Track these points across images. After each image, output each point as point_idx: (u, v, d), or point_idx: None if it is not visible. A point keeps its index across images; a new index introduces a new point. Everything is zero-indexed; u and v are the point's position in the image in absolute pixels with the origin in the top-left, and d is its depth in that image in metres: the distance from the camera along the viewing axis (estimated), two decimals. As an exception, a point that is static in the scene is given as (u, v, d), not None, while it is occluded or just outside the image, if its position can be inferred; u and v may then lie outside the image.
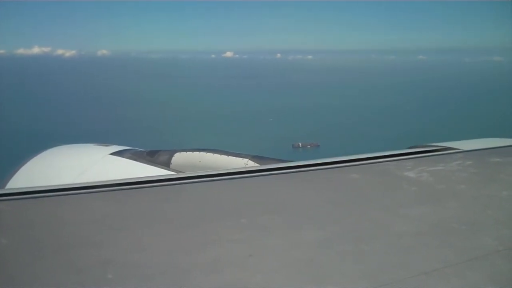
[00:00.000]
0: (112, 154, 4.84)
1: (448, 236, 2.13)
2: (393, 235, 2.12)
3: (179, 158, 4.63)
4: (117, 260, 1.79)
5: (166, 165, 4.61)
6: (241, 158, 4.40)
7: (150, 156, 4.73)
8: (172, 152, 4.69)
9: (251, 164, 4.23)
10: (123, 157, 4.77)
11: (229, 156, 4.47)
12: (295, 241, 2.04)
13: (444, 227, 2.23)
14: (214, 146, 4.72)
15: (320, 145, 78.07)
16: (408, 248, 2.00)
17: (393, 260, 1.89)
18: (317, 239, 2.06)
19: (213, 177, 2.95)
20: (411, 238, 2.09)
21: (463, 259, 1.91)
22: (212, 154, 4.54)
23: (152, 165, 4.62)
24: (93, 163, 4.71)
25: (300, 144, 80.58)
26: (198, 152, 4.61)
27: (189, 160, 4.59)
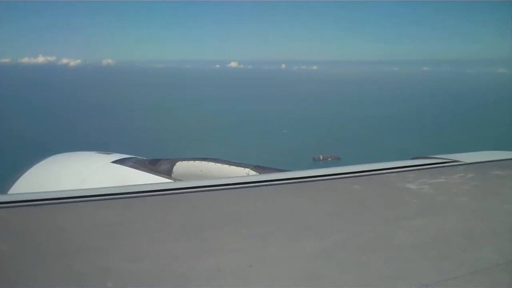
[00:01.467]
0: (114, 162, 4.85)
1: (449, 249, 2.11)
2: (394, 247, 2.11)
3: (180, 167, 4.63)
4: (117, 268, 1.78)
5: (168, 174, 4.61)
6: (243, 168, 4.40)
7: (151, 165, 4.74)
8: (173, 161, 4.69)
9: (252, 174, 4.23)
10: (125, 165, 4.78)
11: (231, 166, 4.47)
12: (295, 252, 2.02)
13: (444, 239, 2.22)
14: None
15: (340, 157, 76.22)
16: (409, 260, 1.99)
17: (394, 272, 1.88)
18: (317, 250, 2.04)
19: (214, 186, 2.92)
20: (411, 250, 2.08)
21: (464, 272, 1.89)
22: (213, 163, 4.54)
23: (153, 173, 4.62)
24: (95, 171, 4.72)
25: (321, 156, 78.86)
26: (199, 162, 4.61)
27: (190, 169, 4.59)
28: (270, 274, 1.82)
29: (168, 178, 4.52)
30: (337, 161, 75.07)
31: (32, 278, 1.68)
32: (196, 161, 4.63)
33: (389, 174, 3.32)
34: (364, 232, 2.30)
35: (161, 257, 1.90)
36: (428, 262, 1.97)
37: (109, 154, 5.11)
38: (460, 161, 3.64)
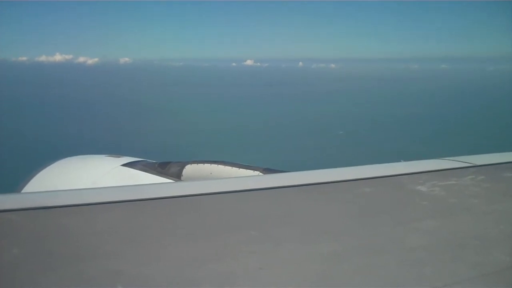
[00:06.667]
0: (124, 165, 4.87)
1: (460, 251, 2.13)
2: (405, 249, 2.13)
3: (190, 170, 4.65)
4: (128, 272, 1.79)
5: (177, 176, 4.62)
6: (252, 171, 4.40)
7: (161, 168, 4.76)
8: (183, 164, 4.71)
9: (262, 177, 4.22)
10: (135, 168, 4.81)
11: (240, 168, 4.47)
12: (306, 255, 2.03)
13: (456, 241, 2.23)
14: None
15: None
16: (420, 263, 1.99)
17: (405, 274, 1.89)
18: (328, 252, 2.05)
19: (224, 189, 2.95)
20: (422, 253, 2.09)
21: (475, 275, 1.90)
22: (223, 166, 4.55)
23: (163, 176, 4.64)
24: (105, 174, 4.75)
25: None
26: (209, 164, 4.62)
27: (200, 172, 4.60)
28: (281, 277, 1.83)
29: (178, 181, 4.52)
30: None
31: (43, 281, 1.70)
32: (205, 164, 4.64)
33: (400, 176, 3.33)
34: (376, 234, 2.30)
35: (172, 261, 1.91)
36: (440, 265, 1.98)
37: (119, 157, 5.15)
38: (471, 163, 3.66)
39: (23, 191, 4.62)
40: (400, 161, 4.02)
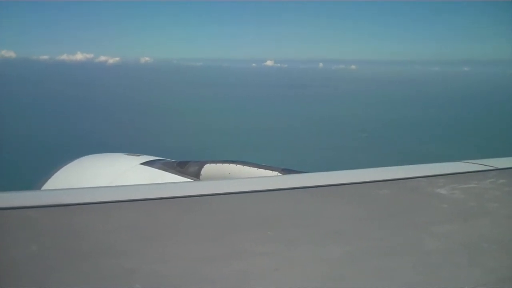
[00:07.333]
0: (143, 164, 4.90)
1: (478, 255, 2.10)
2: (422, 253, 2.10)
3: (208, 169, 4.66)
4: (143, 270, 1.80)
5: (196, 176, 4.63)
6: (271, 171, 4.39)
7: (180, 167, 4.78)
8: (202, 163, 4.72)
9: (280, 177, 4.21)
10: (153, 167, 4.83)
11: (259, 169, 4.47)
12: (322, 256, 2.03)
13: (474, 246, 2.21)
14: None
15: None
16: (437, 266, 1.97)
17: (421, 278, 1.87)
18: (344, 254, 2.04)
19: (241, 188, 2.96)
20: (440, 256, 2.07)
21: (493, 279, 1.88)
22: (242, 166, 4.56)
23: (181, 175, 4.65)
24: (124, 173, 4.78)
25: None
26: (228, 164, 4.63)
27: (218, 172, 4.61)
28: (296, 278, 1.84)
29: (196, 181, 4.54)
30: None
31: (60, 279, 1.71)
32: (224, 164, 4.64)
33: (418, 178, 3.30)
34: (392, 237, 2.29)
35: (188, 259, 1.92)
36: (456, 269, 1.96)
37: (138, 156, 5.19)
38: (491, 166, 3.63)
39: (42, 188, 4.67)
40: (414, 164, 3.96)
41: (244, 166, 4.55)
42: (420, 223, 2.50)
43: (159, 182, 4.51)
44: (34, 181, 5.24)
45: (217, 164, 4.69)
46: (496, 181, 3.26)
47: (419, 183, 3.21)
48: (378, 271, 1.92)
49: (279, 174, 4.34)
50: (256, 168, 4.50)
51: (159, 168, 4.81)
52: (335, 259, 2.00)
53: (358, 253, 2.08)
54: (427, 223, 2.49)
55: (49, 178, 4.93)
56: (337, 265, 1.95)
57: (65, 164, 5.16)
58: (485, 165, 3.67)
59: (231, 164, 4.63)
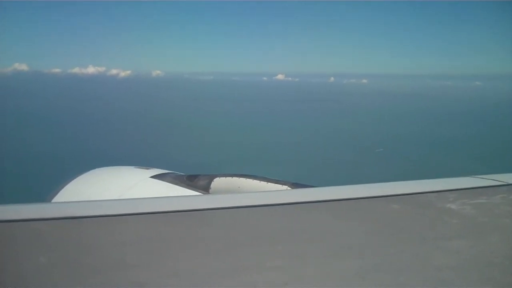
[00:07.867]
0: (153, 177, 4.90)
1: (489, 271, 2.06)
2: (432, 268, 2.07)
3: (218, 183, 4.65)
4: (153, 284, 1.78)
5: (205, 189, 4.62)
6: (281, 185, 4.37)
7: (189, 180, 4.77)
8: (211, 177, 4.71)
9: (290, 191, 4.19)
10: (163, 180, 4.83)
11: (268, 183, 4.45)
12: (332, 271, 2.00)
13: (485, 261, 2.17)
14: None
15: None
16: (447, 282, 1.94)
17: None
18: (354, 269, 2.01)
19: (251, 202, 2.92)
20: (450, 272, 2.03)
21: None
22: (251, 180, 4.54)
23: (191, 189, 4.65)
24: (133, 186, 4.79)
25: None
26: (237, 178, 4.62)
27: (228, 185, 4.60)
28: None
29: (206, 194, 4.53)
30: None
31: None
32: (234, 177, 4.63)
33: (428, 193, 3.24)
34: (402, 252, 2.25)
35: (198, 273, 1.89)
36: (467, 284, 1.92)
37: (148, 169, 5.19)
38: (502, 182, 3.55)
39: (53, 201, 4.69)
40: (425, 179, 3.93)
41: (254, 180, 4.54)
42: (431, 238, 2.46)
43: (169, 195, 4.50)
44: (45, 194, 5.26)
45: (227, 177, 4.67)
46: (508, 196, 3.22)
47: (429, 198, 3.16)
48: (389, 286, 1.89)
49: (289, 188, 4.32)
50: (266, 182, 4.47)
51: (169, 182, 4.81)
52: (345, 275, 1.97)
53: (369, 268, 2.05)
54: (438, 238, 2.45)
55: (59, 190, 4.94)
56: (347, 281, 1.92)
57: (75, 177, 5.17)
58: (496, 180, 3.61)
59: (240, 178, 4.61)
